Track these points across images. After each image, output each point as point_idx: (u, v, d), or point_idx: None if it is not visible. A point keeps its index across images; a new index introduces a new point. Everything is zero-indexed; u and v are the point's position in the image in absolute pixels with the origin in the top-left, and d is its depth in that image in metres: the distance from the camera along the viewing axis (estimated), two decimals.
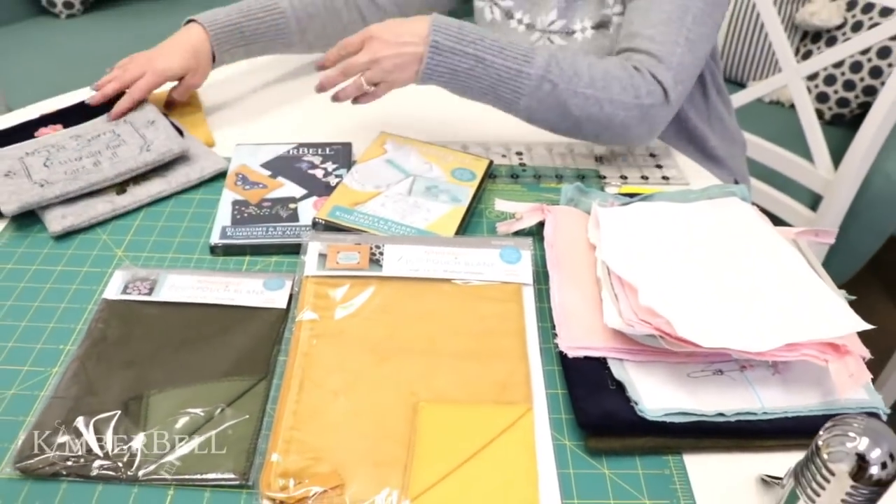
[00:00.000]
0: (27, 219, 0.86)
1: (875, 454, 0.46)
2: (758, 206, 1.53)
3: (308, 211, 0.87)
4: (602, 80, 0.86)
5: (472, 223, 0.87)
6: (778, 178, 1.56)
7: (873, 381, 0.65)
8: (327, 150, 0.98)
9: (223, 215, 0.86)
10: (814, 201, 1.52)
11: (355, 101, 0.92)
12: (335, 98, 0.93)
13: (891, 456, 0.45)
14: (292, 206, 0.88)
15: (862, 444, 0.46)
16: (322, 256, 0.77)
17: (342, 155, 0.98)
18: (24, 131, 0.99)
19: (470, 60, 0.86)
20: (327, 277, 0.75)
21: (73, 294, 0.76)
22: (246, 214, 0.86)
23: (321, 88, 0.92)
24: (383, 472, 0.59)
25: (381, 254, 0.77)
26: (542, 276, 0.78)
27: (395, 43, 0.87)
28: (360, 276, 0.75)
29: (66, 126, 0.99)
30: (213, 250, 0.82)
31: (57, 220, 0.84)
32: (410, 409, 0.63)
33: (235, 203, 0.88)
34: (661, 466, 0.61)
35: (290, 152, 0.97)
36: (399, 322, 0.71)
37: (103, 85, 1.00)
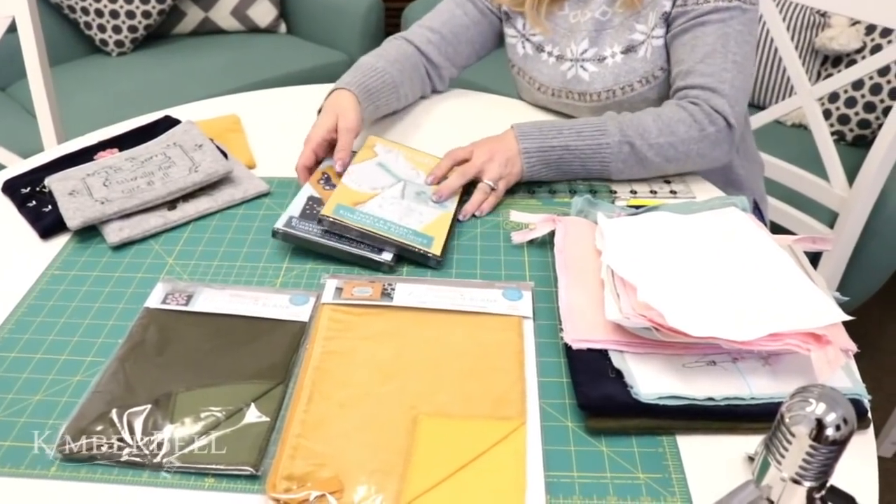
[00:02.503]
0: (89, 232, 0.96)
1: (831, 417, 0.51)
2: (775, 223, 1.58)
3: None
4: (668, 127, 1.00)
5: (457, 230, 0.96)
6: (796, 197, 1.61)
7: None
8: None
9: (296, 206, 0.94)
10: (831, 219, 1.56)
11: (478, 211, 0.98)
12: (465, 214, 0.97)
13: (844, 420, 0.51)
14: None
15: (819, 408, 0.52)
16: (339, 290, 0.84)
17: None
18: (84, 155, 1.10)
19: (557, 152, 1.00)
20: (342, 305, 0.82)
21: (129, 297, 0.85)
22: (315, 211, 0.94)
23: (439, 196, 0.97)
24: (381, 479, 0.63)
25: (393, 289, 0.83)
26: (542, 312, 0.82)
27: (497, 155, 0.99)
28: (373, 305, 0.82)
29: (121, 149, 1.09)
30: (274, 234, 0.90)
31: (115, 233, 0.93)
32: (411, 422, 0.68)
33: (310, 199, 0.96)
34: (655, 445, 0.67)
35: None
36: (405, 345, 0.77)
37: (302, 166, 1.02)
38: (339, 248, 0.89)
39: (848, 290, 1.65)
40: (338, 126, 1.03)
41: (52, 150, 1.16)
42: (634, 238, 0.85)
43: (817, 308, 0.72)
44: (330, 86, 1.13)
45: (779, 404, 0.67)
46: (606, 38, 1.12)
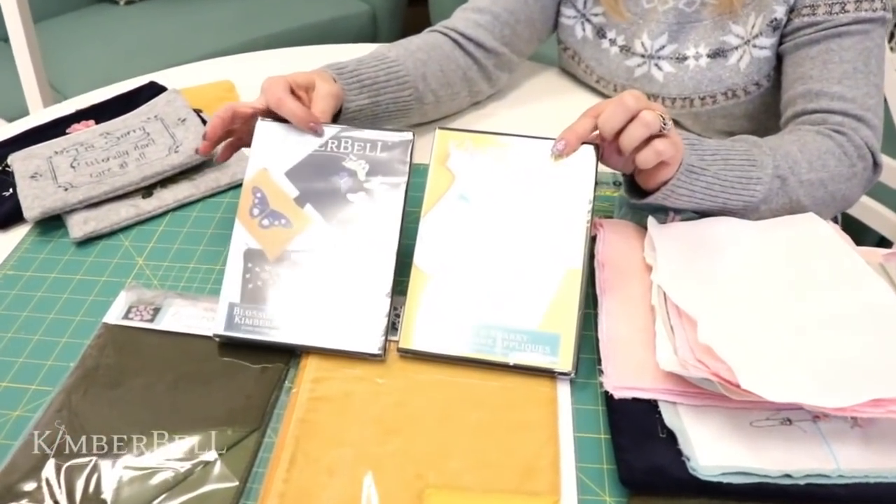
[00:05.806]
0: (51, 222, 0.83)
1: None
2: (844, 213, 1.41)
3: None
4: (818, 160, 0.79)
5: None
6: None
7: None
8: (378, 148, 0.72)
9: (232, 278, 0.68)
10: None
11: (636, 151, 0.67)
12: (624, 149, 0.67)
13: None
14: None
15: None
16: None
17: (396, 160, 0.71)
18: (56, 128, 0.97)
19: (706, 179, 0.72)
20: None
21: (89, 307, 0.73)
22: (260, 283, 0.68)
23: (564, 145, 0.69)
24: None
25: (398, 317, 0.68)
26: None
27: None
28: None
29: (98, 122, 0.96)
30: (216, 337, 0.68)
31: (79, 226, 0.80)
32: (416, 496, 0.55)
33: (248, 257, 0.69)
34: None
35: (329, 148, 0.72)
36: (410, 389, 0.63)
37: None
38: (311, 346, 0.67)
39: None
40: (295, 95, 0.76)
41: (28, 118, 1.03)
42: (693, 251, 0.70)
43: None
44: (347, 45, 0.95)
45: (874, 487, 0.54)
46: (690, 35, 0.93)
